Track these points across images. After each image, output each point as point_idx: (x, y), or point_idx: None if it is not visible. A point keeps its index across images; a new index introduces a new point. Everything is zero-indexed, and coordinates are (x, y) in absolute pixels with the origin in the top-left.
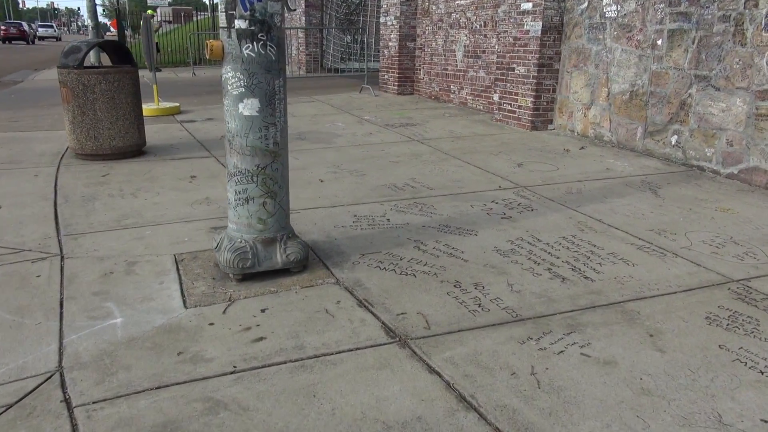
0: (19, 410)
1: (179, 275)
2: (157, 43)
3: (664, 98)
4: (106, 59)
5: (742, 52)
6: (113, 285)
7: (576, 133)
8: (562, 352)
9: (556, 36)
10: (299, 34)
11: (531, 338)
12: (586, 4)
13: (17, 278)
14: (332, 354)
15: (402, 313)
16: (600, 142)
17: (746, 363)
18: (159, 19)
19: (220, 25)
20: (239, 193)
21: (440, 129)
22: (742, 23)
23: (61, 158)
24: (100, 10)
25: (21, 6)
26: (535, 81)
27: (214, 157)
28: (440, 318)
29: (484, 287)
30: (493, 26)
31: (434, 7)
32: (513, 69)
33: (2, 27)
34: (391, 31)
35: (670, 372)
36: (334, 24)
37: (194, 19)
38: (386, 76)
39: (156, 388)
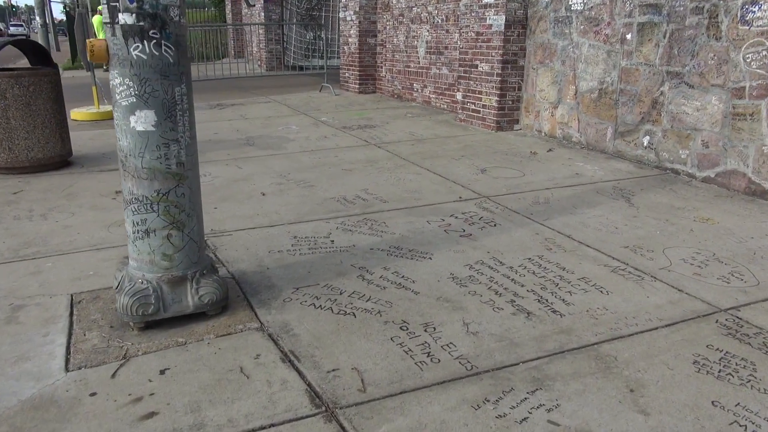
0: None
1: (71, 323)
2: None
3: (635, 96)
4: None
5: (717, 46)
6: None
7: (543, 134)
8: (525, 419)
9: (520, 30)
10: (259, 31)
11: (488, 400)
12: None
13: None
14: None
15: (334, 370)
16: (568, 143)
17: (746, 427)
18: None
19: (103, 21)
20: (137, 224)
21: (400, 131)
22: (717, 15)
23: None
24: (59, 7)
25: None
26: (499, 78)
27: None
28: (380, 374)
29: (435, 329)
30: (455, 20)
31: (395, 1)
32: (476, 66)
33: None
34: (351, 27)
35: None
36: (295, 20)
37: None
38: (347, 74)
39: None
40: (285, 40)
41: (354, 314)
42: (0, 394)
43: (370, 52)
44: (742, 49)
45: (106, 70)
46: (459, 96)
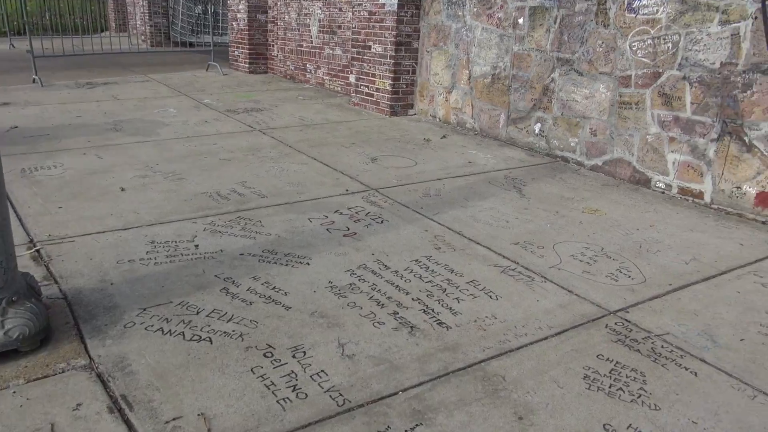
0: None
1: None
2: None
3: (527, 83)
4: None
5: (605, 33)
6: None
7: (438, 119)
8: None
9: (414, 11)
10: (143, 3)
11: None
12: None
13: None
14: None
15: (175, 419)
16: (463, 130)
17: None
18: None
19: None
20: None
21: (290, 115)
22: (605, 2)
23: None
24: None
25: None
26: (392, 61)
27: None
28: (232, 420)
29: (305, 353)
30: None
31: None
32: (369, 47)
33: None
34: (240, 2)
35: None
36: None
37: None
38: (236, 53)
39: None
40: (171, 13)
41: (210, 340)
42: None
43: (261, 30)
44: (629, 37)
45: None
46: (352, 78)
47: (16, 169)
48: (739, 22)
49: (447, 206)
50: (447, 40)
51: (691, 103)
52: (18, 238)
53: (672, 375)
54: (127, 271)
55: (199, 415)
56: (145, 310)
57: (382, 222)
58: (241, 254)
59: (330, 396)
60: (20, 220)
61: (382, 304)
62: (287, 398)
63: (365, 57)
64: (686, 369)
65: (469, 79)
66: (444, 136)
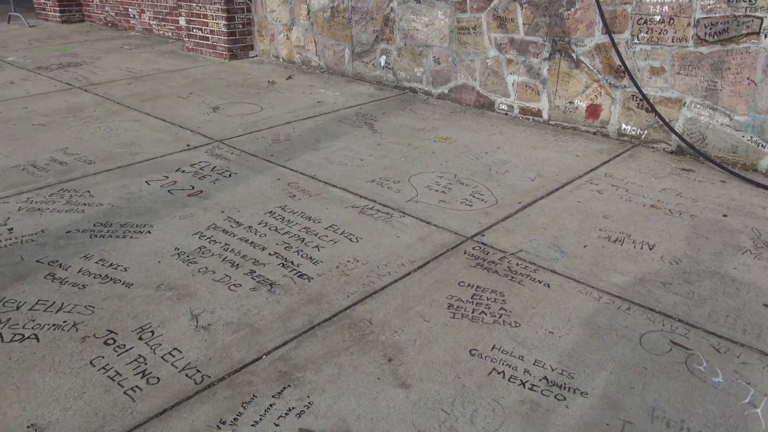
0: None
1: None
2: None
3: (367, 14)
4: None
5: None
6: None
7: (282, 60)
8: None
9: None
10: None
11: (224, 422)
12: None
13: None
14: None
15: None
16: (309, 68)
17: (503, 373)
18: None
19: None
20: None
21: (115, 67)
22: None
23: None
24: None
25: None
26: None
27: None
28: (72, 424)
29: (153, 332)
30: None
31: None
32: None
33: None
34: None
35: (421, 424)
36: None
37: None
38: (43, 0)
39: None
40: None
41: (36, 337)
42: None
43: None
44: None
45: None
46: (183, 21)
47: None
48: None
49: (298, 151)
50: None
51: (523, 24)
52: None
53: (528, 290)
54: None
55: (28, 427)
56: None
57: (230, 176)
58: (68, 232)
59: (186, 375)
60: None
61: (237, 265)
62: (136, 387)
63: None
64: (540, 282)
65: (308, 14)
66: (289, 77)
